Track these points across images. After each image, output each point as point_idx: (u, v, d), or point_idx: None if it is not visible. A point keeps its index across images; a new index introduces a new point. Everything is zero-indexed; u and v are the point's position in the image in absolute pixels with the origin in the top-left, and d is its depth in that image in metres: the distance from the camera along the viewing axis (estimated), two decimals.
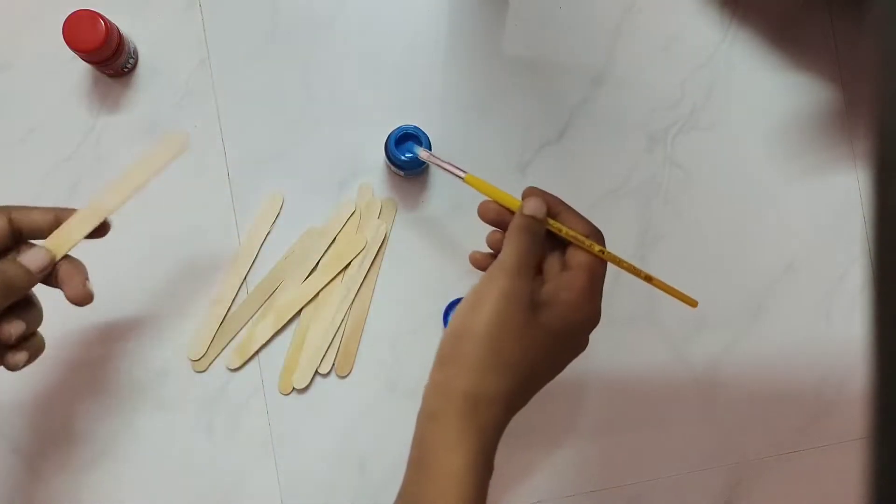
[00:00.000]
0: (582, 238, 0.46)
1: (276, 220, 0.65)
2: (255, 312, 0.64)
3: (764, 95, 0.69)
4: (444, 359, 0.43)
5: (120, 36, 0.60)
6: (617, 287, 0.65)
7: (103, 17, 0.58)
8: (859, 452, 0.67)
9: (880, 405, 0.22)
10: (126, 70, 0.64)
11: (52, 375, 0.64)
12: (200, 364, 0.64)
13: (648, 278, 0.48)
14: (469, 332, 0.42)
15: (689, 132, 0.68)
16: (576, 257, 0.46)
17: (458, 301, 0.64)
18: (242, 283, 0.64)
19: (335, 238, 0.65)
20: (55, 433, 0.63)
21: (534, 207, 0.45)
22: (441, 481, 0.40)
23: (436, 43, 0.67)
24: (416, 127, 0.61)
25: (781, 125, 0.69)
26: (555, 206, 0.47)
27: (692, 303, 0.48)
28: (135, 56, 0.64)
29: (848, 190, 0.70)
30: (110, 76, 0.64)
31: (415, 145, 0.59)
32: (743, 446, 0.68)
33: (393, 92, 0.66)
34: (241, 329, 0.64)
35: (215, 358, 0.64)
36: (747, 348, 0.68)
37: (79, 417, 0.63)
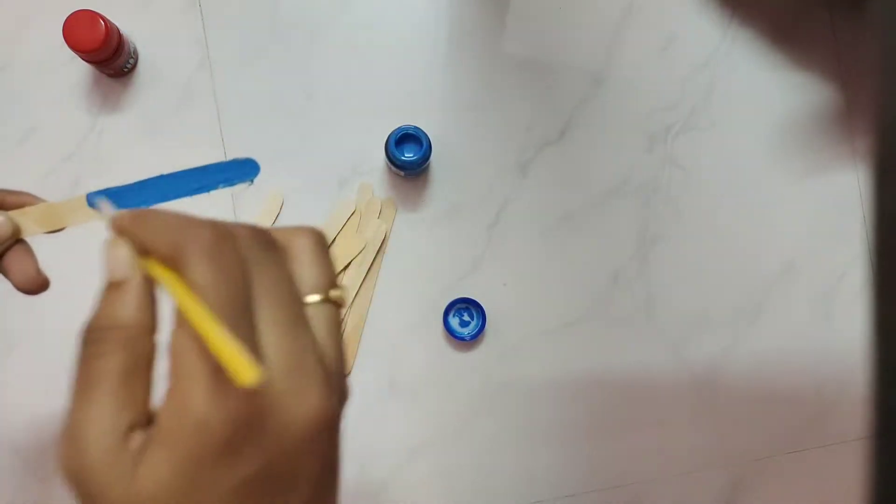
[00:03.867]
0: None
1: (276, 220, 0.65)
2: None
3: (764, 95, 0.69)
4: None
5: (120, 36, 0.60)
6: (616, 287, 0.65)
7: (103, 17, 0.58)
8: (859, 452, 0.67)
9: (881, 405, 0.22)
10: (126, 70, 0.64)
11: (52, 376, 0.64)
12: None
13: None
14: None
15: (689, 132, 0.68)
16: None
17: (458, 301, 0.64)
18: None
19: (335, 238, 0.65)
20: (55, 433, 0.63)
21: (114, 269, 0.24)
22: None
23: (436, 43, 0.67)
24: (416, 127, 0.61)
25: (782, 125, 0.69)
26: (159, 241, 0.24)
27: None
28: (135, 56, 0.64)
29: (848, 190, 0.70)
30: (110, 76, 0.64)
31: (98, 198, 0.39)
32: (743, 446, 0.68)
33: (393, 92, 0.66)
34: None
35: None
36: (747, 348, 0.68)
37: None
